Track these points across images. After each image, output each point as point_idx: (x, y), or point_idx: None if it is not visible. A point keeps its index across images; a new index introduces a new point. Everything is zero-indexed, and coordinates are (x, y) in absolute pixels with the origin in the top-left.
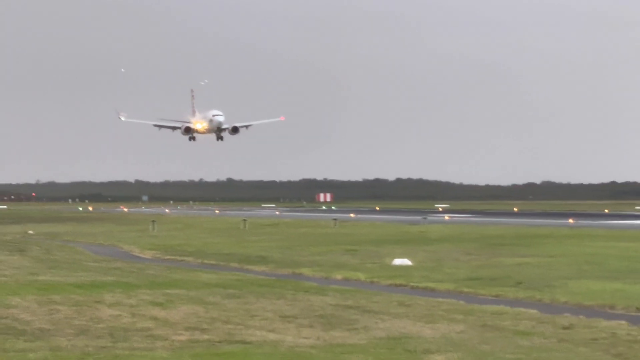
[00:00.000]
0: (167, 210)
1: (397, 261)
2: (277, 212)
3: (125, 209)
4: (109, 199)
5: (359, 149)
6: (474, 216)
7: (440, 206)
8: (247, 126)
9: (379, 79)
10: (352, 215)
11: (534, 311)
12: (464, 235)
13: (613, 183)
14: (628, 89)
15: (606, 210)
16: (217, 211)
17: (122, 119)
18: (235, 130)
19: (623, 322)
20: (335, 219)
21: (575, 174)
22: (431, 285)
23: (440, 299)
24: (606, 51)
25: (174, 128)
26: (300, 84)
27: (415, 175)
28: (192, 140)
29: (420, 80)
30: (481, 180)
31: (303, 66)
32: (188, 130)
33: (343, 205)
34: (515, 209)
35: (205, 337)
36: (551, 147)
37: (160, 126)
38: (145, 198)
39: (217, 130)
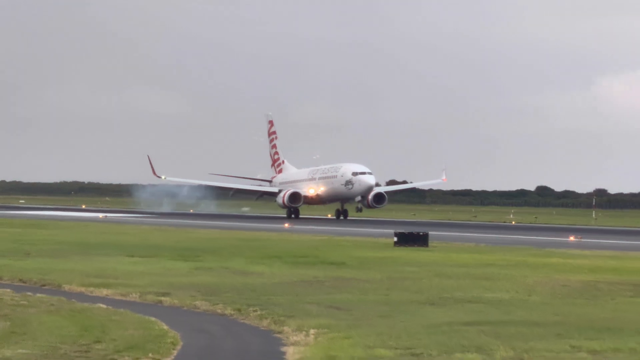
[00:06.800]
0: None
1: None
2: None
3: None
4: None
5: None
6: None
7: None
8: (395, 192)
9: None
10: None
11: None
12: None
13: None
14: None
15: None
16: None
17: (163, 177)
18: (379, 199)
19: (9, 290)
20: None
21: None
22: None
23: None
24: None
25: (261, 194)
26: None
27: None
28: (292, 216)
29: None
30: None
31: None
32: (295, 199)
33: None
34: None
35: None
36: None
37: (232, 190)
38: None
39: (361, 200)
